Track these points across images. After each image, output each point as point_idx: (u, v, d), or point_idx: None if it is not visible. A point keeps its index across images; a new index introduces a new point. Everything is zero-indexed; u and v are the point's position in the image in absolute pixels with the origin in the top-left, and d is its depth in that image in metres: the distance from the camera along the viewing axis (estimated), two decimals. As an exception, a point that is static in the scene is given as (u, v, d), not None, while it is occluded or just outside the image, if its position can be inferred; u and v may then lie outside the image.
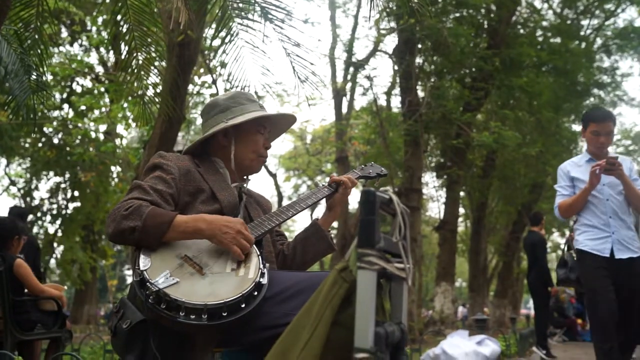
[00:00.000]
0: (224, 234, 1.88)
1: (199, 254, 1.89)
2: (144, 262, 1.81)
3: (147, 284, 1.74)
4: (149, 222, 1.85)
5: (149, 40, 5.19)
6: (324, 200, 2.38)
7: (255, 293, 1.80)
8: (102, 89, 15.09)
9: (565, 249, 6.06)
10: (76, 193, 18.37)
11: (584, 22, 18.01)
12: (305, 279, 1.92)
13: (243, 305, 1.76)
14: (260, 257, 1.93)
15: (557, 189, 4.26)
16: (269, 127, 2.33)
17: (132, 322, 1.78)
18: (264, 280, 1.86)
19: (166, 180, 2.03)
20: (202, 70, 14.56)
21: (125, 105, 13.30)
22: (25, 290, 4.59)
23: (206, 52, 12.37)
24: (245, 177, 2.32)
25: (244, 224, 1.96)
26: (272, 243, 2.27)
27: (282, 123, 2.42)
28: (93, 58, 17.68)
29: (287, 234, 2.46)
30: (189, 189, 2.07)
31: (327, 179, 2.42)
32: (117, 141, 16.23)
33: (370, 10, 4.65)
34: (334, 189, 2.35)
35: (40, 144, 17.19)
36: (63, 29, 16.36)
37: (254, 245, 1.97)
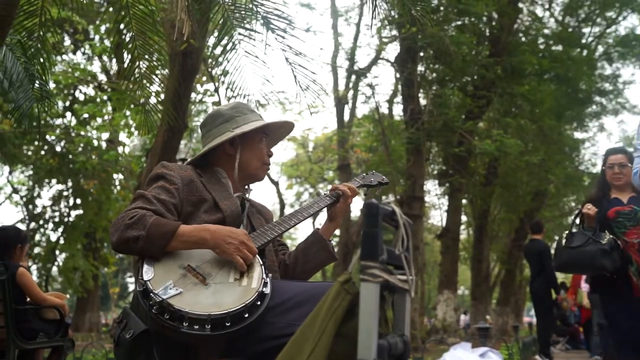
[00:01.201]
0: (228, 245, 1.89)
1: (202, 264, 1.89)
2: (147, 272, 1.82)
3: (151, 294, 1.75)
4: (152, 231, 1.86)
5: (151, 49, 5.22)
6: (325, 209, 2.39)
7: (259, 303, 1.81)
8: (105, 97, 15.14)
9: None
10: (78, 201, 18.38)
11: (586, 30, 18.07)
12: (308, 289, 1.92)
13: (246, 315, 1.76)
14: (263, 266, 1.94)
15: (637, 147, 3.41)
16: (270, 135, 2.36)
17: (135, 332, 1.79)
18: (267, 290, 1.86)
19: (169, 190, 2.04)
20: (204, 78, 14.59)
21: (128, 113, 13.34)
22: (28, 299, 4.58)
23: (209, 60, 12.41)
24: (247, 187, 2.33)
25: (247, 235, 1.97)
26: (274, 253, 2.28)
27: (281, 131, 2.44)
28: (96, 66, 17.77)
29: (289, 242, 2.46)
30: (192, 199, 2.08)
31: (330, 187, 2.43)
32: (120, 149, 16.25)
33: (372, 19, 4.68)
34: (335, 198, 2.36)
35: (42, 152, 17.21)
36: (66, 38, 16.42)
37: (257, 255, 1.97)
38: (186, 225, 1.92)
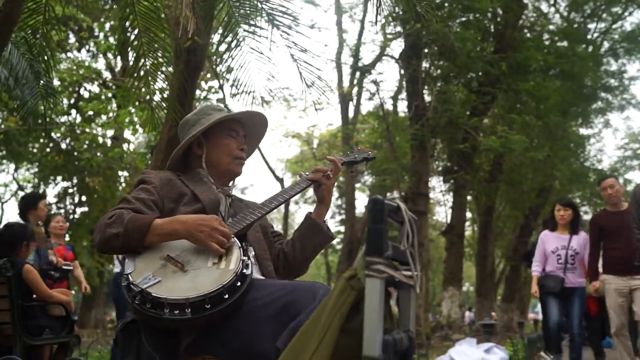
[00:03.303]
0: (200, 233, 1.93)
1: (181, 252, 1.94)
2: (128, 267, 1.88)
3: (131, 285, 1.81)
4: (129, 226, 1.92)
5: (156, 46, 5.22)
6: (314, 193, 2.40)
7: (239, 284, 1.84)
8: (110, 95, 15.16)
9: None
10: (84, 198, 18.42)
11: (591, 26, 17.97)
12: (287, 284, 1.92)
13: (226, 296, 1.79)
14: (242, 249, 1.97)
15: None
16: (241, 130, 2.35)
17: (124, 322, 1.91)
18: (248, 271, 1.89)
19: (148, 189, 2.12)
20: (209, 75, 14.59)
21: (133, 110, 13.36)
22: (34, 296, 4.60)
23: (213, 57, 12.40)
24: (230, 184, 2.36)
25: (219, 220, 1.99)
26: (269, 244, 2.31)
27: (256, 123, 2.43)
28: (100, 64, 17.79)
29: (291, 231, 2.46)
30: (172, 196, 2.14)
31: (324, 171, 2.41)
32: (125, 146, 16.29)
33: (376, 15, 4.68)
34: (315, 179, 2.36)
35: (48, 149, 17.27)
36: (71, 35, 16.44)
37: (236, 239, 2.01)
38: (160, 219, 1.97)
